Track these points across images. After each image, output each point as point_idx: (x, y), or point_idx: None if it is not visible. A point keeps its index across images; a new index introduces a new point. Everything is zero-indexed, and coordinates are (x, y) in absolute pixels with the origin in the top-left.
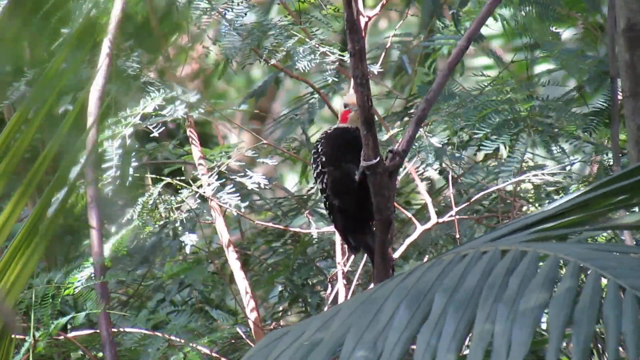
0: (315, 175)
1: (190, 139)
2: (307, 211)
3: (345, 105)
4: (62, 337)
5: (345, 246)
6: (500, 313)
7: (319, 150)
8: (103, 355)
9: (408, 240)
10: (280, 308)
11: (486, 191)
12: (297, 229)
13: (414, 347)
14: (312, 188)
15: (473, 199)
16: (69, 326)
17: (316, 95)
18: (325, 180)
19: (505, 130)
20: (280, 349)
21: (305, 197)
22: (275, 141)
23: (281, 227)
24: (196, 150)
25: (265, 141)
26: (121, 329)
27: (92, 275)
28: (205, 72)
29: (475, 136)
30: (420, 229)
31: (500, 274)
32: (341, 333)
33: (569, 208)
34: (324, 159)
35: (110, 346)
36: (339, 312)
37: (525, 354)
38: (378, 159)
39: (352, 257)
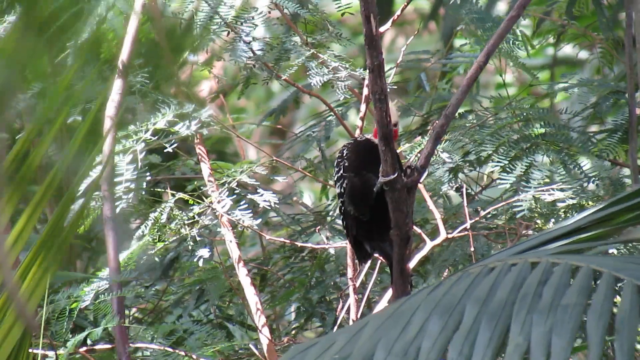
0: (335, 178)
1: (199, 156)
2: (318, 227)
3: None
4: (79, 354)
5: (357, 261)
6: (536, 322)
7: (344, 154)
8: None
9: (418, 255)
10: (295, 325)
11: (495, 206)
12: (310, 245)
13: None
14: (330, 204)
15: (483, 214)
16: (88, 341)
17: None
18: (344, 185)
19: (519, 150)
20: None
21: (324, 213)
22: (291, 158)
23: (296, 243)
24: (205, 167)
25: (274, 158)
26: (138, 345)
27: (104, 290)
28: (223, 89)
29: (481, 155)
30: (430, 244)
31: (532, 285)
32: (370, 345)
33: (586, 224)
34: (346, 164)
35: None
36: (366, 325)
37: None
38: (396, 174)
39: (363, 272)
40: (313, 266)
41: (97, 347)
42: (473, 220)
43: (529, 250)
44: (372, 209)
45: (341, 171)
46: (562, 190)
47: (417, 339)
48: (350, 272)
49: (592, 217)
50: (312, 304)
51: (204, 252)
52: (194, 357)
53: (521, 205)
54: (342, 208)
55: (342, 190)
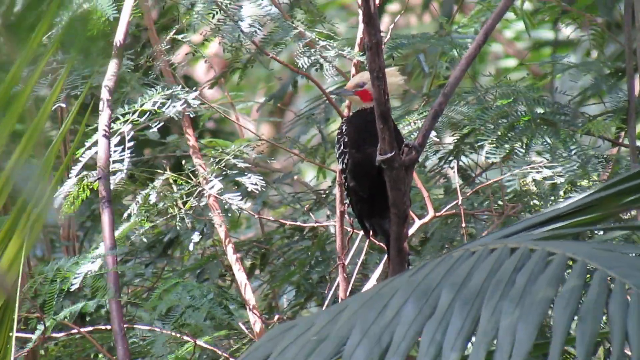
0: (337, 155)
1: (186, 137)
2: (307, 206)
3: (363, 84)
4: (76, 332)
5: (346, 239)
6: (505, 309)
7: (343, 130)
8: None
9: (409, 233)
10: (293, 303)
11: (484, 184)
12: (298, 223)
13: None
14: (331, 186)
15: (470, 192)
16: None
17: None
18: (346, 161)
19: (514, 133)
20: (286, 342)
21: (327, 191)
22: (280, 137)
23: (285, 222)
24: (192, 148)
25: (263, 138)
26: (134, 326)
27: (99, 266)
28: (225, 70)
29: (480, 143)
30: (418, 223)
31: (507, 271)
32: (348, 328)
33: (582, 206)
34: (346, 140)
35: (122, 340)
36: (347, 307)
37: (529, 349)
38: (393, 152)
39: (352, 251)
40: (313, 246)
41: (91, 328)
42: (462, 198)
43: (518, 233)
44: (371, 186)
45: (342, 147)
46: (549, 168)
47: (392, 324)
48: (339, 250)
49: (588, 199)
50: (312, 283)
51: (195, 236)
52: (187, 338)
53: (512, 185)
54: (346, 185)
55: (344, 166)
